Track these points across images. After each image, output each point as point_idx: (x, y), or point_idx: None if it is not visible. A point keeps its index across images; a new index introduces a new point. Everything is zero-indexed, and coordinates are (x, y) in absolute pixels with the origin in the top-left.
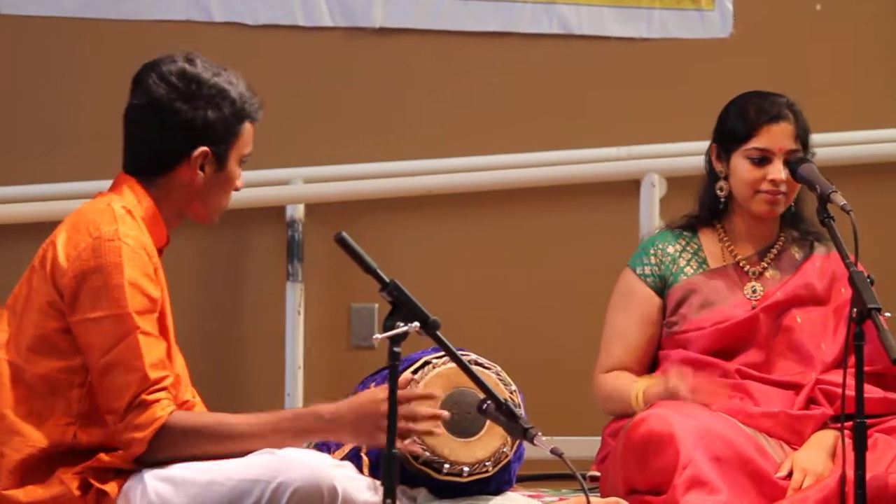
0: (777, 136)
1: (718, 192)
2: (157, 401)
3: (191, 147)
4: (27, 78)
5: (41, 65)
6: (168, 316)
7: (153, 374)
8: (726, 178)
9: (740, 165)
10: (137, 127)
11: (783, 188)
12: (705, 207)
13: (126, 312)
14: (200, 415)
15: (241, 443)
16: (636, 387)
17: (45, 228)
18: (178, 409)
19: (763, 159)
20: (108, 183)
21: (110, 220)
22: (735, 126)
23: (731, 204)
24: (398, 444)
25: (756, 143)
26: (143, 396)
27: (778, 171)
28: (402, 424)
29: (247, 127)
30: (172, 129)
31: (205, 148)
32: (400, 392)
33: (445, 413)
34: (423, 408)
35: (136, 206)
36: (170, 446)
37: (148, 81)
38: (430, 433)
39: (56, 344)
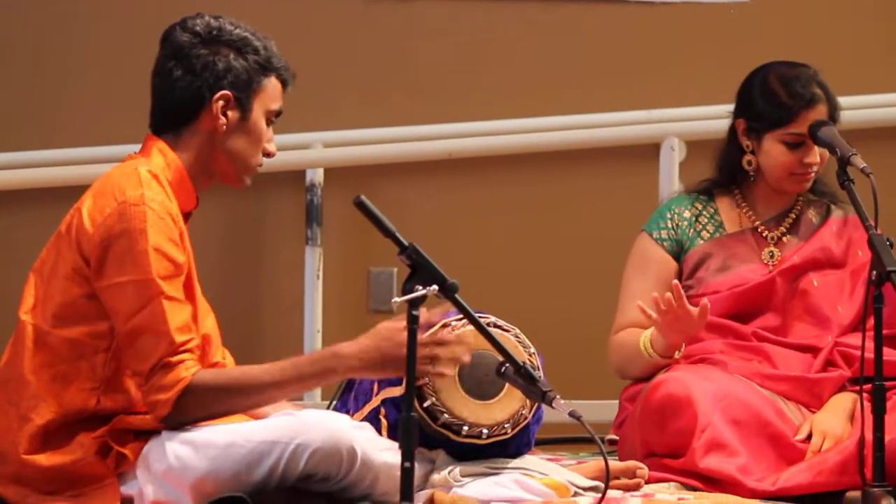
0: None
1: (747, 165)
2: (182, 362)
3: (211, 91)
4: (57, 43)
5: (71, 29)
6: (195, 279)
7: (179, 338)
8: (753, 153)
9: (774, 148)
10: (161, 78)
11: (815, 168)
12: (725, 175)
13: (150, 278)
14: (224, 371)
15: (268, 393)
16: (643, 336)
17: (75, 193)
18: (205, 368)
19: (799, 143)
20: (138, 147)
21: (136, 184)
22: (770, 109)
23: (755, 176)
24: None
25: (794, 128)
26: (168, 359)
27: (815, 155)
28: (420, 366)
29: (273, 81)
30: (193, 73)
31: (226, 91)
32: (429, 336)
33: (465, 358)
34: (443, 350)
35: (163, 169)
36: (196, 406)
37: (173, 35)
38: (441, 375)
39: (82, 310)
